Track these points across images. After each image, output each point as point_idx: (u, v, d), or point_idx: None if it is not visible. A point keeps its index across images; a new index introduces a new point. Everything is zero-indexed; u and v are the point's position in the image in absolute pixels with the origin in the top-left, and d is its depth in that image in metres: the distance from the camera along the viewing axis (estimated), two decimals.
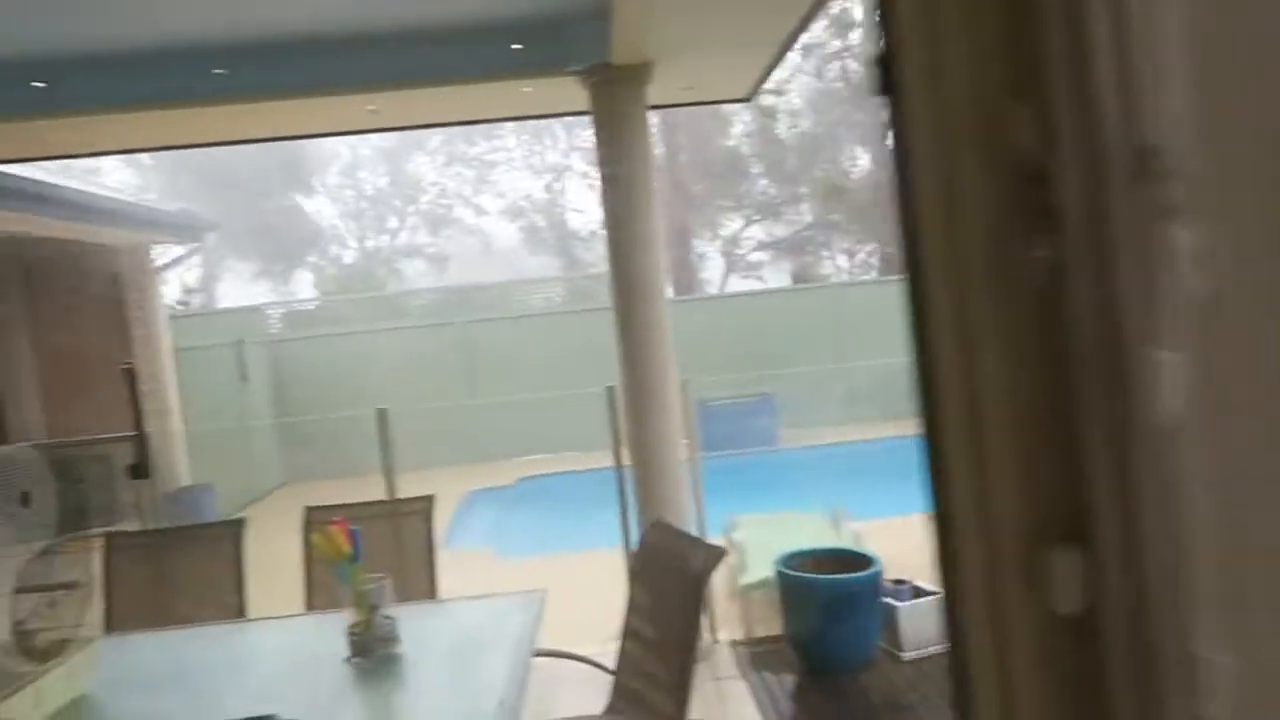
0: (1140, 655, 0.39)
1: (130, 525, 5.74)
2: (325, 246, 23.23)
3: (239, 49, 4.68)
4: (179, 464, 9.33)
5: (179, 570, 3.40)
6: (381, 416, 4.86)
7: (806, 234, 19.89)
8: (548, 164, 22.32)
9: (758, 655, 4.41)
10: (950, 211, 0.42)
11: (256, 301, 15.57)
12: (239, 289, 22.12)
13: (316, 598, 3.33)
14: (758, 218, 19.90)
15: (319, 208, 23.18)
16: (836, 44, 18.33)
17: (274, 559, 4.15)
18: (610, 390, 4.67)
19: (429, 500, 3.57)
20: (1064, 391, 0.40)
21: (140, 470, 5.75)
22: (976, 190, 0.41)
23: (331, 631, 2.54)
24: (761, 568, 4.73)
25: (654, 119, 4.98)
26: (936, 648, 4.18)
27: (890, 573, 4.27)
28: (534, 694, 2.31)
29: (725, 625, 4.74)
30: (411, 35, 4.73)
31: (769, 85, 5.89)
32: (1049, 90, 0.39)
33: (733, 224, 20.09)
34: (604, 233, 5.04)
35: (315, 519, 3.38)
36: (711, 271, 20.45)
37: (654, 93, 4.95)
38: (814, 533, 5.49)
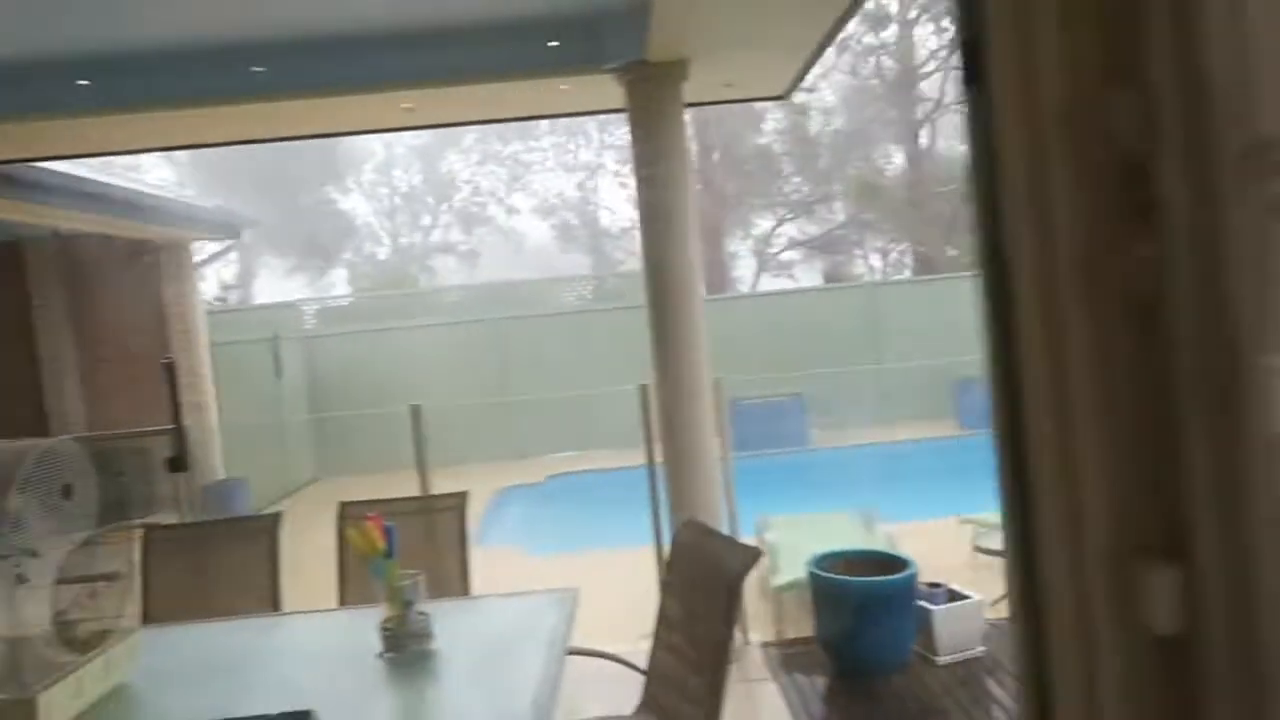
0: (1244, 680, 0.37)
1: (168, 517, 5.82)
2: (360, 243, 23.48)
3: (278, 47, 4.74)
4: (214, 457, 9.47)
5: (216, 563, 3.43)
6: (415, 413, 4.89)
7: (839, 233, 19.75)
8: (580, 162, 22.38)
9: (789, 657, 4.38)
10: (1040, 209, 0.39)
11: (292, 298, 15.78)
12: (275, 285, 22.45)
13: (350, 592, 3.35)
14: (790, 216, 19.78)
15: (354, 205, 23.44)
16: (871, 40, 18.16)
17: (306, 553, 4.19)
18: (643, 388, 4.66)
19: (462, 496, 3.57)
20: (1164, 402, 0.37)
21: (179, 463, 5.83)
22: (1069, 186, 0.38)
23: (365, 626, 2.55)
24: (793, 569, 4.70)
25: (687, 116, 4.96)
26: (972, 652, 4.12)
27: (921, 575, 4.22)
28: (565, 692, 2.30)
29: (756, 626, 4.72)
30: (448, 33, 4.75)
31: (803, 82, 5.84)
32: (1151, 76, 0.36)
33: (765, 222, 20.00)
34: (637, 231, 5.02)
35: (350, 514, 3.40)
36: (743, 270, 20.39)
37: (690, 90, 4.92)
38: (845, 534, 5.44)
